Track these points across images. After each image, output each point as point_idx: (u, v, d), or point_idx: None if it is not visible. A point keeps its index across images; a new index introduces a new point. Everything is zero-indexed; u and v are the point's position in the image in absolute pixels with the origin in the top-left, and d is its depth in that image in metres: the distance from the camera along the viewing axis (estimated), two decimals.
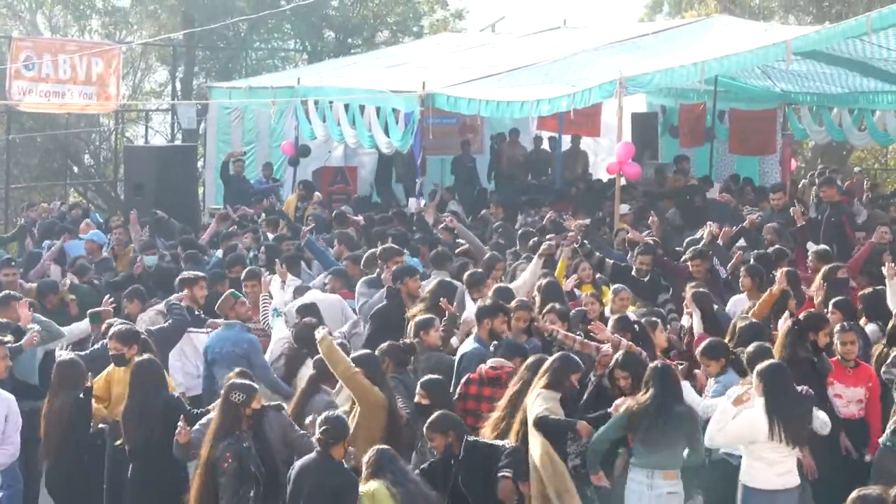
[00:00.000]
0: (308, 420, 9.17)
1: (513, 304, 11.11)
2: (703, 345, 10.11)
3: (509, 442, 8.81)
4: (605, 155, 23.16)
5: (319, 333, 9.71)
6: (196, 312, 12.29)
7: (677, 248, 14.74)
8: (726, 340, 10.54)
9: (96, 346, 11.45)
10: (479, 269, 13.07)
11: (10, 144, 26.06)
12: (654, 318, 11.08)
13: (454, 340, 11.44)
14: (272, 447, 8.93)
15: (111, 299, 12.56)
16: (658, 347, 10.66)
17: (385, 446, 8.44)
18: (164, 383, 10.09)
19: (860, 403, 10.36)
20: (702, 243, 14.08)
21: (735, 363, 9.99)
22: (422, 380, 9.35)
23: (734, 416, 8.73)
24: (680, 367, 9.78)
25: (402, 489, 8.15)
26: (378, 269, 13.24)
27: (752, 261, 13.48)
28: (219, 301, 11.71)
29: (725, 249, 14.63)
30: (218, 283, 13.11)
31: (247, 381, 9.02)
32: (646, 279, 13.37)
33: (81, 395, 10.15)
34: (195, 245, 16.41)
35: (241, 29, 31.47)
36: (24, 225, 19.73)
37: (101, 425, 10.48)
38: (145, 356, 10.16)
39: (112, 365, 10.67)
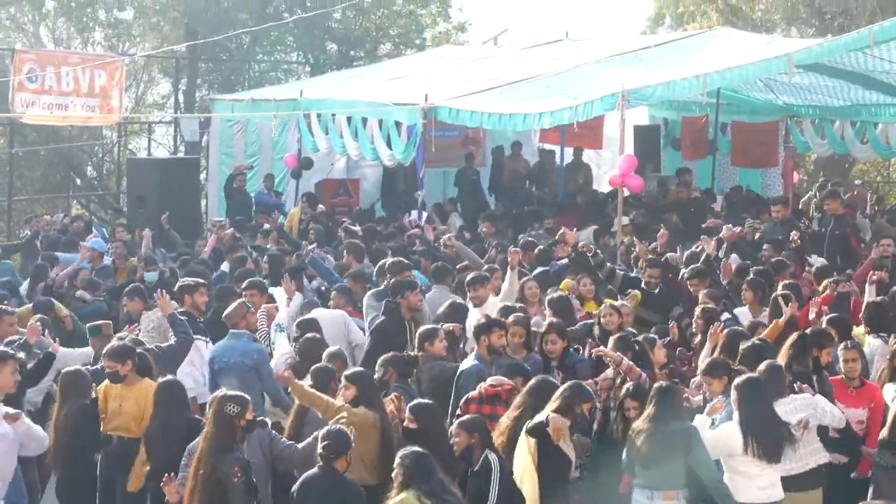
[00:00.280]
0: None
1: (509, 319, 11.11)
2: (705, 364, 10.06)
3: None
4: (608, 167, 23.20)
5: (290, 381, 9.58)
6: (199, 320, 12.24)
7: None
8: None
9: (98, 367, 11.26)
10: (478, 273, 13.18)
11: (13, 157, 26.06)
12: (652, 336, 11.12)
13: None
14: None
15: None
16: (656, 364, 10.67)
17: (422, 451, 8.08)
18: (186, 405, 10.11)
19: (860, 424, 10.24)
20: (702, 258, 14.04)
21: None
22: (411, 404, 9.17)
23: (711, 427, 8.85)
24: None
25: (437, 500, 7.82)
26: (385, 282, 13.23)
27: (752, 274, 13.47)
28: (229, 309, 11.65)
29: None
30: (227, 297, 12.84)
31: (238, 393, 8.97)
32: (655, 291, 13.37)
33: (87, 403, 10.21)
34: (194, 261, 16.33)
35: (243, 41, 31.51)
36: (31, 236, 19.71)
37: (108, 433, 10.47)
38: (169, 377, 10.23)
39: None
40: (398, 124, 19.81)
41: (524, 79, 19.79)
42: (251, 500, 8.52)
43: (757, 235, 16.80)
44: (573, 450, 8.96)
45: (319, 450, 8.31)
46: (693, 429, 8.90)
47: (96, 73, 24.07)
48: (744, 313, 12.69)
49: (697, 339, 11.60)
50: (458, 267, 14.92)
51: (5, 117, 23.82)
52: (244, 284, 13.14)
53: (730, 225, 15.02)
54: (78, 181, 31.49)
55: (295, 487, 8.43)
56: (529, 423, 8.76)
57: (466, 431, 8.65)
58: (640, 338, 10.87)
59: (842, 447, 9.98)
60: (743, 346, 10.24)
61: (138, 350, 10.71)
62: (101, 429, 10.44)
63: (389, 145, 20.01)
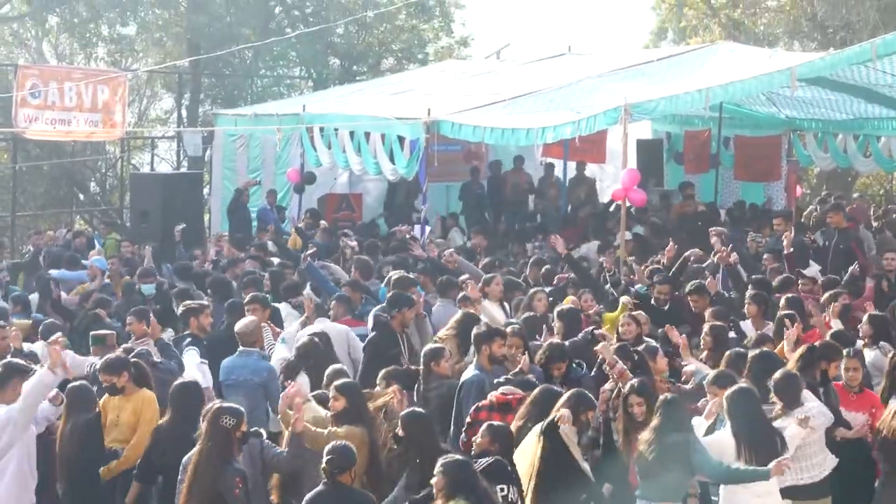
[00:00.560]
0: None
1: (508, 329, 11.14)
2: (711, 375, 10.07)
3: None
4: (611, 181, 23.18)
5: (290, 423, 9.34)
6: (203, 342, 12.24)
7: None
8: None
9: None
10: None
11: (16, 173, 26.09)
12: (653, 345, 11.13)
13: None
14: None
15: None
16: (657, 373, 10.69)
17: (463, 459, 8.10)
18: (200, 411, 10.06)
19: (863, 429, 10.29)
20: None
21: None
22: (402, 412, 9.20)
23: (706, 434, 9.00)
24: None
25: None
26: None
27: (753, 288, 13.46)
28: (243, 327, 11.62)
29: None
30: (237, 313, 12.86)
31: (233, 405, 9.01)
32: (665, 308, 13.36)
33: (92, 417, 10.24)
34: (191, 274, 16.33)
35: (246, 56, 31.56)
36: (34, 253, 19.71)
37: (115, 447, 10.47)
38: (188, 378, 10.33)
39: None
40: (401, 139, 19.83)
41: (527, 93, 19.82)
42: None
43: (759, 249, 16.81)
44: (584, 461, 8.97)
45: (324, 465, 8.31)
46: (691, 437, 8.96)
47: (99, 88, 24.12)
48: (747, 326, 12.71)
49: (704, 354, 11.59)
50: (458, 280, 14.94)
51: (9, 133, 23.87)
52: (246, 300, 13.15)
53: (724, 248, 14.90)
54: (81, 196, 31.52)
55: None
56: (543, 425, 8.76)
57: (491, 436, 8.63)
58: (641, 347, 10.91)
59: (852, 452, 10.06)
60: (751, 355, 10.29)
61: (133, 360, 10.73)
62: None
63: (392, 160, 20.04)
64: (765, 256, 15.60)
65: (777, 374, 9.56)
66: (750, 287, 13.52)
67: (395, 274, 13.79)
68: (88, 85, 23.83)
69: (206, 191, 26.42)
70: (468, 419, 9.82)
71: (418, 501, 8.45)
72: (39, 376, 9.41)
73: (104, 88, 24.22)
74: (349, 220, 23.13)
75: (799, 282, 14.25)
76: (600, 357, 10.65)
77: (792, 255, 15.04)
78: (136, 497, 10.07)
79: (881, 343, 11.77)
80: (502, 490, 8.08)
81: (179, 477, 9.02)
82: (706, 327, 11.86)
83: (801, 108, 23.00)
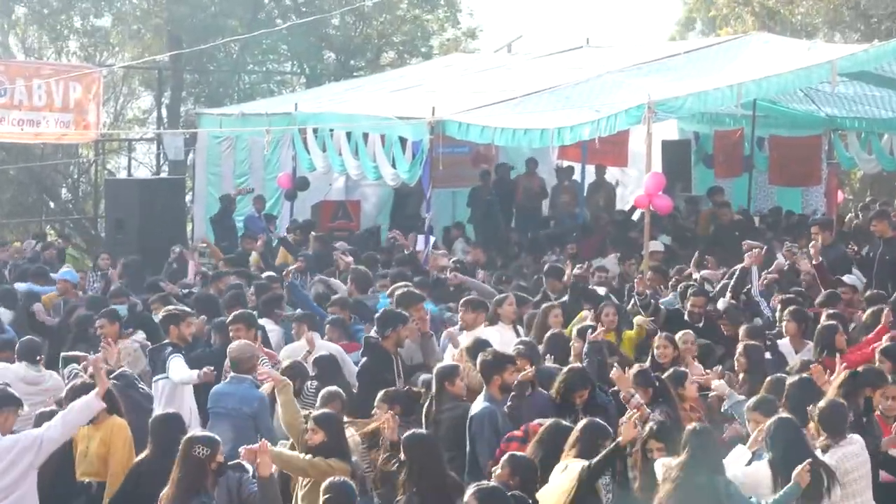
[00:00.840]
0: None
1: (513, 350, 11.17)
2: (753, 400, 10.01)
3: None
4: (633, 187, 23.21)
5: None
6: (182, 352, 12.23)
7: None
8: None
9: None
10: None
11: None
12: (682, 370, 11.05)
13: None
14: None
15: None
16: (687, 401, 10.63)
17: (497, 486, 8.20)
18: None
19: None
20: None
21: None
22: (404, 435, 9.21)
23: (747, 464, 8.94)
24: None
25: None
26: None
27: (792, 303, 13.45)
28: (238, 351, 11.61)
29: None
30: (225, 332, 12.92)
31: (208, 434, 9.06)
32: (699, 325, 13.33)
33: (62, 448, 10.17)
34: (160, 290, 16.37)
35: (232, 50, 31.64)
36: None
37: (86, 480, 10.47)
38: (170, 410, 10.35)
39: None
40: (403, 140, 19.85)
41: (541, 90, 19.82)
42: None
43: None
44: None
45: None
46: (723, 482, 8.78)
47: (71, 85, 24.18)
48: (785, 346, 12.68)
49: (741, 377, 11.55)
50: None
51: None
52: (230, 318, 13.13)
53: (754, 250, 14.91)
54: (52, 204, 31.59)
55: None
56: (584, 469, 8.71)
57: (511, 468, 8.65)
58: (669, 372, 10.87)
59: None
60: (789, 381, 10.24)
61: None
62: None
63: (393, 164, 20.04)
64: (805, 277, 15.53)
65: (822, 403, 9.49)
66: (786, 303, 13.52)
67: (398, 291, 13.75)
68: (59, 82, 23.90)
69: (188, 198, 26.44)
70: (497, 451, 9.76)
71: None
72: (87, 402, 9.67)
73: (76, 86, 24.28)
74: (346, 230, 23.13)
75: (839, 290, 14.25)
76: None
77: (822, 266, 14.98)
78: None
79: None
80: None
81: None
82: (740, 347, 11.82)
83: (842, 105, 23.01)
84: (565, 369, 10.90)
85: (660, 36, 42.62)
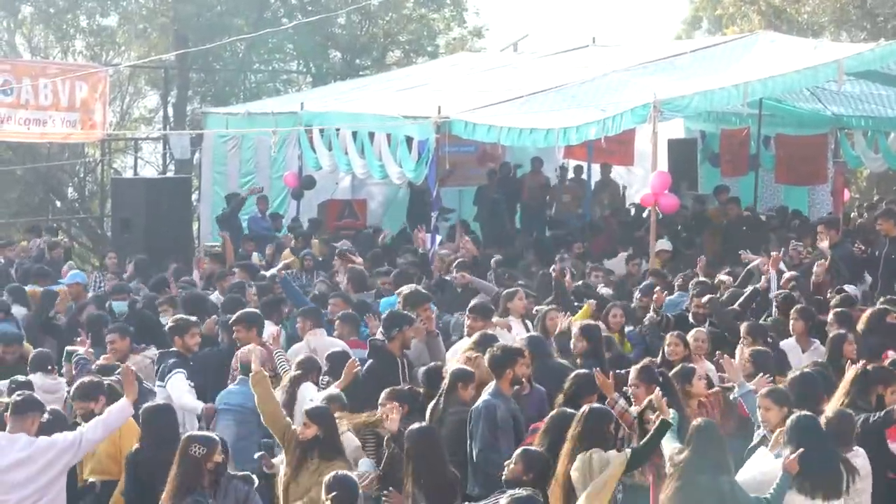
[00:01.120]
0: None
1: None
2: (765, 389, 10.02)
3: None
4: (639, 186, 23.19)
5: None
6: (189, 362, 12.26)
7: None
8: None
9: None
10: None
11: None
12: (689, 366, 11.04)
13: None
14: None
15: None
16: (694, 397, 10.62)
17: (530, 493, 8.21)
18: (177, 433, 10.10)
19: None
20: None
21: None
22: (408, 429, 9.29)
23: (764, 460, 8.93)
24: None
25: None
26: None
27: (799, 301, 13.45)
28: (246, 355, 11.59)
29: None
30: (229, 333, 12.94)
31: (207, 434, 9.10)
32: (705, 325, 13.32)
33: None
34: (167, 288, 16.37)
35: (238, 49, 31.66)
36: (5, 265, 19.73)
37: (90, 480, 10.46)
38: (160, 402, 10.34)
39: None
40: (409, 139, 19.84)
41: (547, 89, 19.83)
42: None
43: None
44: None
45: (327, 500, 8.31)
46: (729, 484, 8.70)
47: (77, 85, 24.20)
48: (790, 345, 12.68)
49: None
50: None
51: None
52: (233, 319, 13.11)
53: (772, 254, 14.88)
54: (58, 203, 31.63)
55: None
56: (629, 451, 8.76)
57: (525, 464, 8.62)
58: (677, 368, 10.86)
59: None
60: (790, 377, 10.25)
61: (107, 383, 10.71)
62: (80, 474, 10.45)
63: (399, 163, 20.05)
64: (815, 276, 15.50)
65: (831, 414, 9.50)
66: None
67: (405, 291, 13.73)
68: (66, 81, 23.92)
69: (194, 197, 26.47)
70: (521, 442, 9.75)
71: None
72: (122, 407, 9.68)
73: (83, 85, 24.30)
74: (353, 229, 23.13)
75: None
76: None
77: (823, 283, 14.92)
78: None
79: None
80: None
81: None
82: (747, 352, 11.75)
83: (849, 104, 23.01)
84: (573, 374, 10.86)
85: (666, 35, 42.68)
